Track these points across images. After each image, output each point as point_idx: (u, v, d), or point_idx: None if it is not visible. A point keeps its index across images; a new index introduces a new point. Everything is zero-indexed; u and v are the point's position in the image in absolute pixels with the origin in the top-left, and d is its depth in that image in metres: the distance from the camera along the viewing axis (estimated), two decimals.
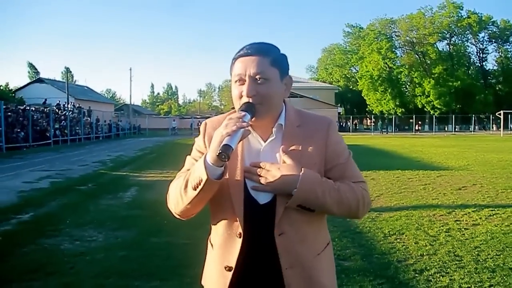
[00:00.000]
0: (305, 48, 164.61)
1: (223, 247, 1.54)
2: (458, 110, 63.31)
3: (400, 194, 8.82)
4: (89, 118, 41.42)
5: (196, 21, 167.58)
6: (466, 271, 4.30)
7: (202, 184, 1.41)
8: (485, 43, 71.18)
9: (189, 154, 1.64)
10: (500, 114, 48.43)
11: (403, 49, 70.13)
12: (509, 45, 70.56)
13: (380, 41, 64.11)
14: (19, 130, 25.66)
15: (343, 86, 77.65)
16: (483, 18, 66.92)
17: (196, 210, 1.54)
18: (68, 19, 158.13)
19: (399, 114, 64.49)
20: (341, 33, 79.05)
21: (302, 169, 1.46)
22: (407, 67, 65.38)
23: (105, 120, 45.74)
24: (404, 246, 5.18)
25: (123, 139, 40.34)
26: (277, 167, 1.47)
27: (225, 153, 1.34)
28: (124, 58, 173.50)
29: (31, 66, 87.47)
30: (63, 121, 34.43)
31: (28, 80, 79.14)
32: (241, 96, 1.49)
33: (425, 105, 63.04)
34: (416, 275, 4.23)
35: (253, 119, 1.47)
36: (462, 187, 9.70)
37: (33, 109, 30.95)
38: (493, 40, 70.51)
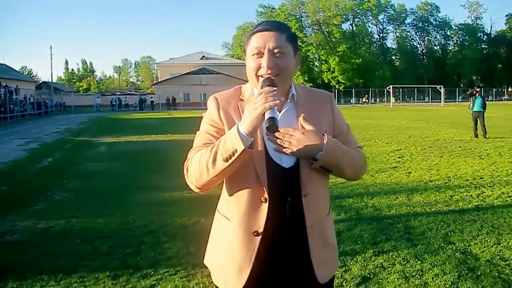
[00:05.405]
0: (220, 26, 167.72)
1: (247, 215, 1.59)
2: (362, 85, 71.33)
3: None
4: (18, 96, 43.12)
5: None
6: None
7: (236, 154, 1.47)
8: (384, 24, 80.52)
9: (198, 130, 1.70)
10: (389, 88, 56.35)
11: (311, 28, 76.86)
12: (405, 26, 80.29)
13: (290, 21, 70.00)
14: None
15: None
16: (382, 2, 75.67)
17: (218, 182, 1.61)
18: None
19: None
20: (254, 13, 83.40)
21: (325, 134, 1.59)
22: (315, 45, 72.41)
23: (30, 98, 46.97)
24: None
25: (55, 116, 41.82)
26: (301, 132, 1.56)
27: (275, 125, 1.45)
28: (36, 33, 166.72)
29: None
30: None
31: None
32: (258, 68, 1.60)
33: (331, 80, 70.43)
34: None
35: None
36: None
37: None
38: (392, 22, 79.78)
